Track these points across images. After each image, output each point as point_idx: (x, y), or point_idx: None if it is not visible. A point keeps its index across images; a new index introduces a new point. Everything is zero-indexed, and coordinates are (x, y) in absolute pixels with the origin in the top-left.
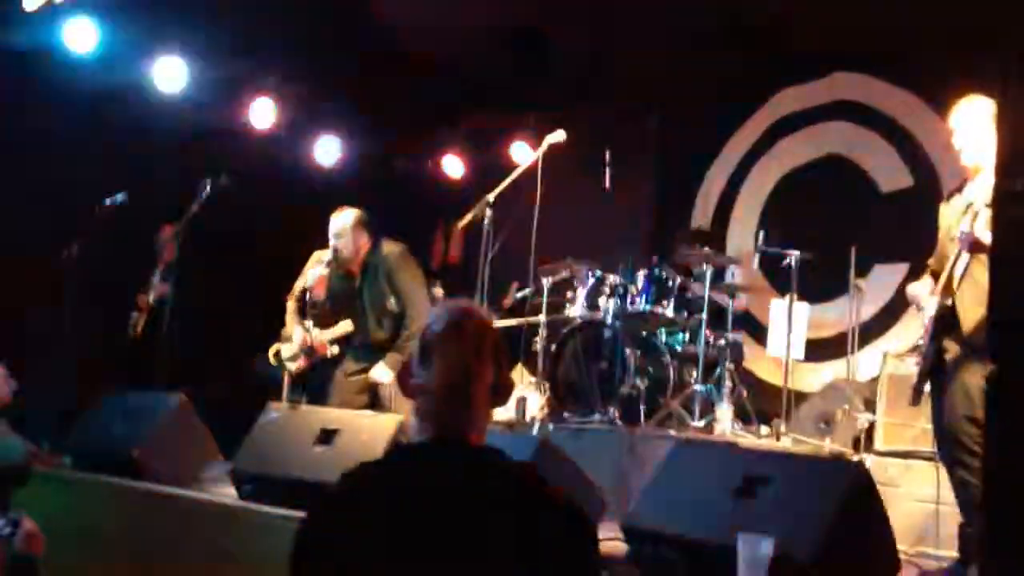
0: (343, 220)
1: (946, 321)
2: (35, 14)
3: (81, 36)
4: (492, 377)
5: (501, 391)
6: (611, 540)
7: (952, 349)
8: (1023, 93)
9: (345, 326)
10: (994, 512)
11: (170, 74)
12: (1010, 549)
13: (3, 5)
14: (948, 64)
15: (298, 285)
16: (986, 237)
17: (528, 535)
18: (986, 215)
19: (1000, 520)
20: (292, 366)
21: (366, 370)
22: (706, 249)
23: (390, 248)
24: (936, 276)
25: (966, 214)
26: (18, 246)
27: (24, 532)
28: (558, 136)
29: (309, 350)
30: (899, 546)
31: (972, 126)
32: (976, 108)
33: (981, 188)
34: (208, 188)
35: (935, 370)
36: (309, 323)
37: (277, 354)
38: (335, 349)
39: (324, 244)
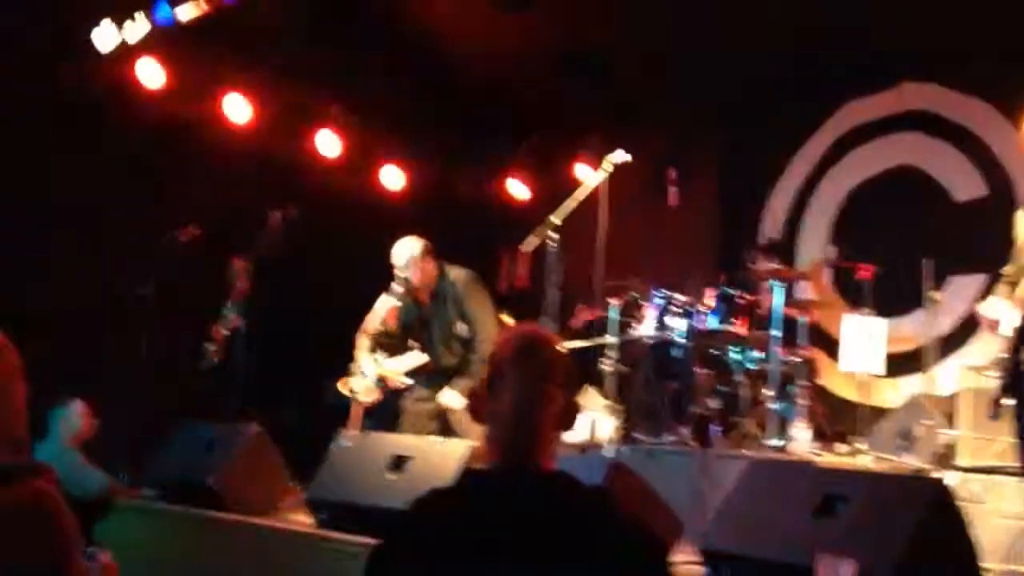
0: (408, 250)
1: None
2: (109, 55)
3: (152, 74)
4: (561, 402)
5: (569, 416)
6: (688, 563)
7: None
8: None
9: (418, 357)
10: None
11: (238, 107)
12: None
13: (80, 46)
14: (1018, 71)
15: (368, 319)
16: None
17: (601, 561)
18: None
19: None
20: (365, 399)
21: (435, 396)
22: (776, 264)
23: (458, 273)
24: (1014, 286)
25: None
26: (95, 280)
27: (100, 564)
28: (621, 156)
29: (381, 382)
30: (986, 564)
31: None
32: None
33: None
34: (277, 219)
35: (1017, 384)
36: (381, 355)
37: (348, 387)
38: (408, 380)
39: (391, 271)
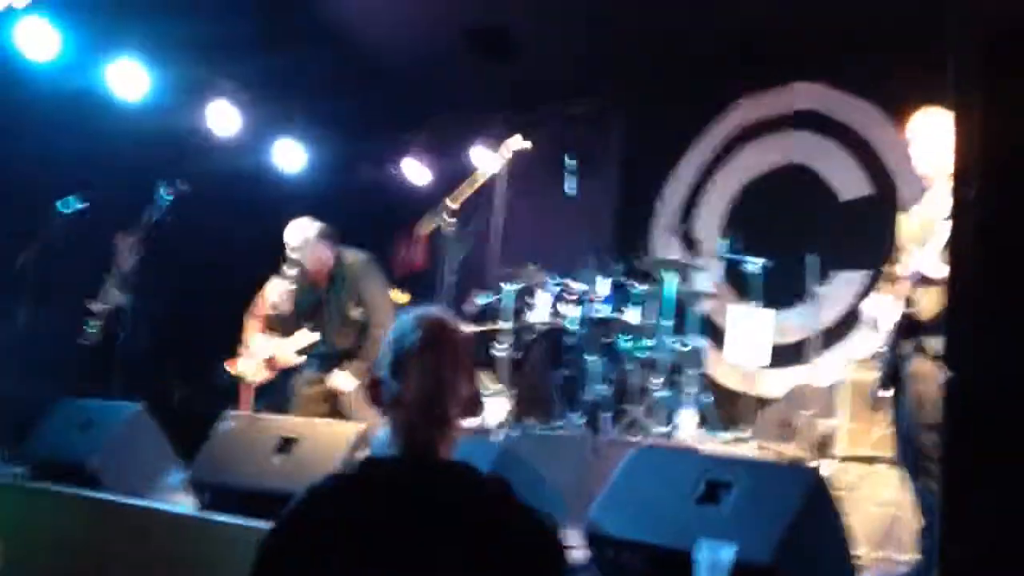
0: (303, 231)
1: (905, 328)
2: None
3: (39, 40)
4: (468, 391)
5: (473, 404)
6: (572, 548)
7: (912, 356)
8: (973, 103)
9: (307, 336)
10: (952, 516)
11: (128, 78)
12: (968, 553)
13: None
14: (905, 73)
15: (258, 301)
16: (933, 272)
17: (499, 552)
18: (936, 245)
19: (957, 523)
20: (253, 379)
21: (326, 379)
22: (681, 250)
23: (355, 257)
24: (894, 283)
25: (921, 236)
26: None
27: None
28: (519, 142)
29: (271, 362)
30: (861, 550)
31: (926, 137)
32: (931, 119)
33: (936, 200)
34: (166, 193)
35: (895, 376)
36: (272, 336)
37: (236, 368)
38: (298, 359)
39: (281, 251)
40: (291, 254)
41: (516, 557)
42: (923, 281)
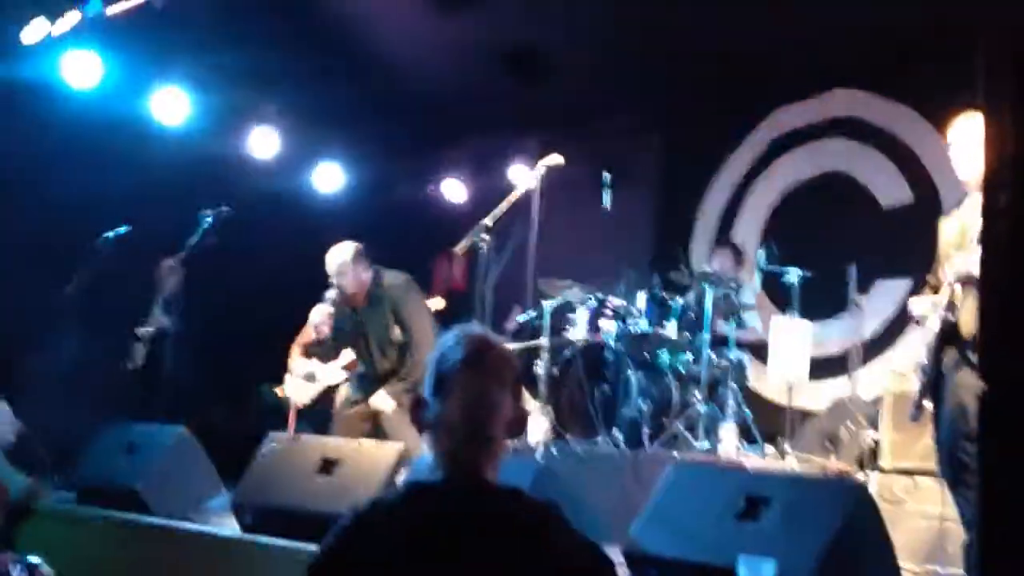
0: (342, 256)
1: (947, 337)
2: (35, 46)
3: (81, 68)
4: (511, 410)
5: (519, 424)
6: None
7: (954, 367)
8: (1003, 108)
9: (350, 355)
10: (988, 529)
11: (170, 105)
12: (1005, 566)
13: (2, 37)
14: (945, 78)
15: (304, 331)
16: (976, 269)
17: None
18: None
19: (994, 536)
20: (299, 401)
21: (367, 399)
22: (730, 265)
23: (394, 278)
24: (936, 291)
25: (962, 241)
26: (20, 280)
27: None
28: (554, 159)
29: (311, 380)
30: (907, 564)
31: (967, 141)
32: (972, 124)
33: (976, 205)
34: (209, 218)
35: (936, 386)
36: (315, 363)
37: (283, 391)
38: (343, 376)
39: (323, 273)
40: (332, 279)
41: None
42: (968, 282)
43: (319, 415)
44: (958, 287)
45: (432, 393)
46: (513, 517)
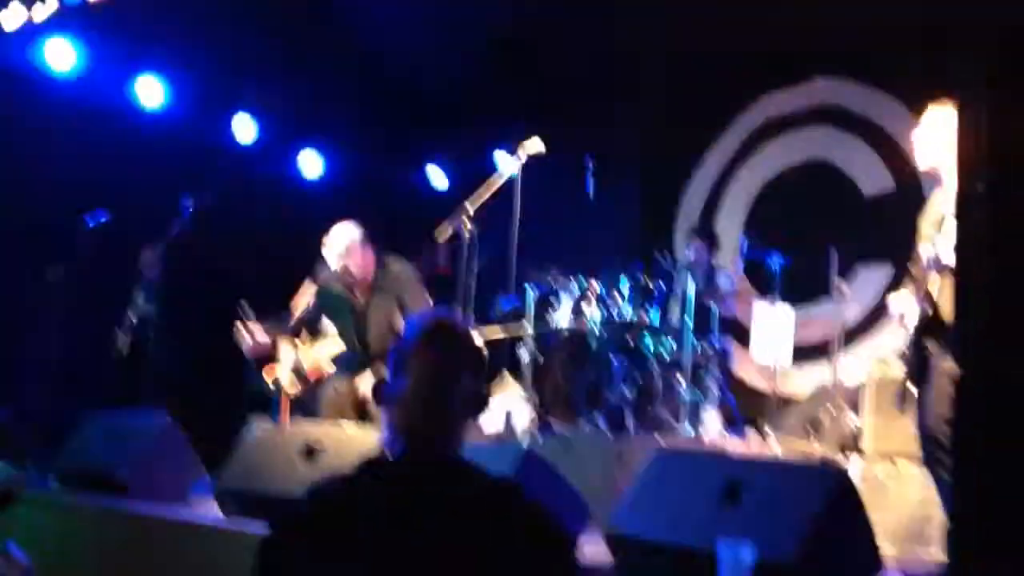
0: (351, 235)
1: (928, 325)
2: (13, 33)
3: (61, 55)
4: (470, 386)
5: (479, 401)
6: (596, 549)
7: (934, 352)
8: (980, 98)
9: (336, 343)
10: (961, 509)
11: (151, 91)
12: (977, 546)
13: None
14: (929, 68)
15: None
16: (950, 258)
17: (504, 553)
18: (949, 235)
19: (966, 515)
20: (291, 390)
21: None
22: (704, 253)
23: (403, 266)
24: (916, 283)
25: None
26: (1, 265)
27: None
28: (535, 146)
29: (300, 372)
30: (888, 548)
31: (930, 132)
32: (936, 115)
33: (944, 196)
34: (191, 205)
35: (920, 373)
36: (299, 343)
37: (274, 377)
38: (332, 368)
39: (307, 258)
40: (333, 259)
41: (521, 557)
42: (940, 268)
43: (314, 402)
44: (934, 276)
45: (393, 373)
46: (470, 490)
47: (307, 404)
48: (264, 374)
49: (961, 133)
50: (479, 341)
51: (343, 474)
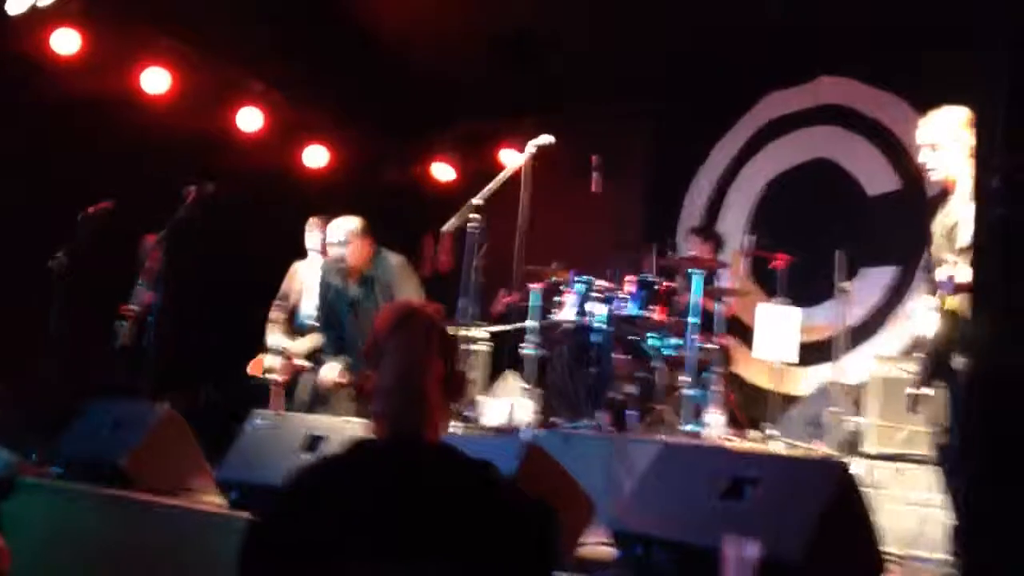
0: (348, 226)
1: (945, 330)
2: (19, 19)
3: (66, 41)
4: (443, 371)
5: (454, 385)
6: (600, 544)
7: (950, 358)
8: (1000, 92)
9: (315, 339)
10: (976, 511)
11: (156, 80)
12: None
13: None
14: (933, 68)
15: (281, 293)
16: (966, 277)
17: (484, 533)
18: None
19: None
20: (280, 377)
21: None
22: (709, 247)
23: (393, 259)
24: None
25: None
26: (3, 253)
27: None
28: (544, 140)
29: (287, 362)
30: (889, 549)
31: (941, 138)
32: (942, 119)
33: (959, 204)
34: (194, 194)
35: (937, 373)
36: (282, 335)
37: (262, 367)
38: (307, 363)
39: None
40: (333, 249)
41: (501, 538)
42: (958, 288)
43: (298, 392)
44: (947, 297)
45: (371, 364)
46: (452, 473)
47: (300, 399)
48: (250, 369)
49: (979, 127)
50: (444, 324)
51: (328, 458)
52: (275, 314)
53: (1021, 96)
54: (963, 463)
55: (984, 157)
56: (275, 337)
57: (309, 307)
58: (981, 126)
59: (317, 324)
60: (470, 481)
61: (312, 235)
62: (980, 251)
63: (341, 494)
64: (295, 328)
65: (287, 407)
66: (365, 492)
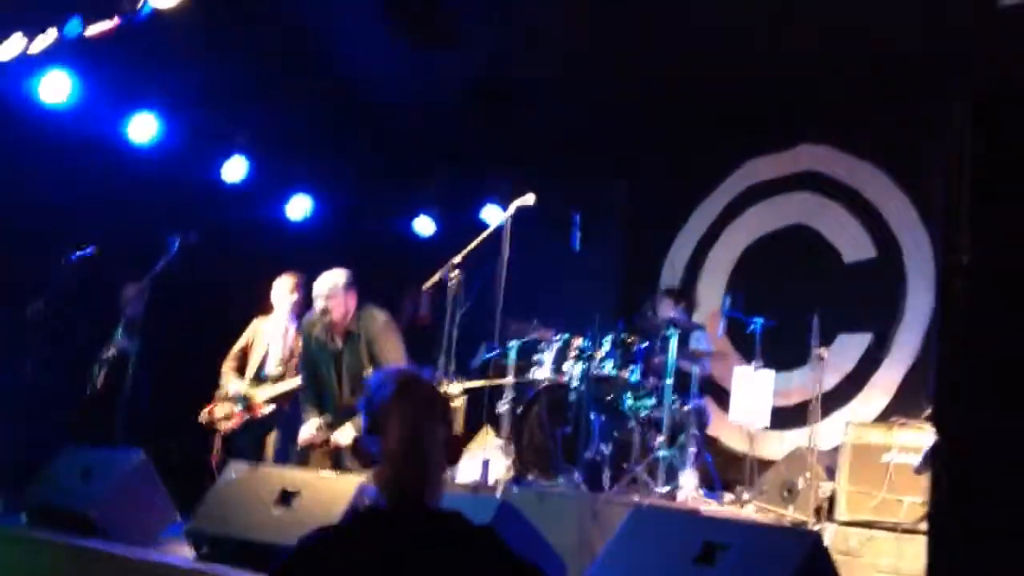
0: (335, 279)
1: None
2: (8, 64)
3: (55, 87)
4: (444, 436)
5: (454, 449)
6: None
7: None
8: (964, 161)
9: (285, 385)
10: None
11: (142, 128)
12: None
13: None
14: (911, 137)
15: (239, 346)
16: None
17: None
18: None
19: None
20: (224, 425)
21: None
22: (681, 309)
23: (376, 315)
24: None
25: None
26: None
27: None
28: (527, 200)
29: (247, 401)
30: None
31: None
32: None
33: None
34: (177, 244)
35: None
36: (244, 383)
37: (210, 413)
38: (270, 407)
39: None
40: (319, 302)
41: None
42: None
43: (248, 442)
44: None
45: (368, 431)
46: (455, 539)
47: (251, 448)
48: (202, 415)
49: (948, 198)
50: (442, 392)
51: (332, 525)
52: (229, 364)
53: (985, 174)
54: (928, 533)
55: (951, 232)
56: (235, 384)
57: (272, 362)
58: (949, 198)
59: (279, 374)
60: (475, 548)
61: (279, 289)
62: (945, 324)
63: (348, 562)
64: (260, 378)
65: (227, 456)
66: (372, 560)
